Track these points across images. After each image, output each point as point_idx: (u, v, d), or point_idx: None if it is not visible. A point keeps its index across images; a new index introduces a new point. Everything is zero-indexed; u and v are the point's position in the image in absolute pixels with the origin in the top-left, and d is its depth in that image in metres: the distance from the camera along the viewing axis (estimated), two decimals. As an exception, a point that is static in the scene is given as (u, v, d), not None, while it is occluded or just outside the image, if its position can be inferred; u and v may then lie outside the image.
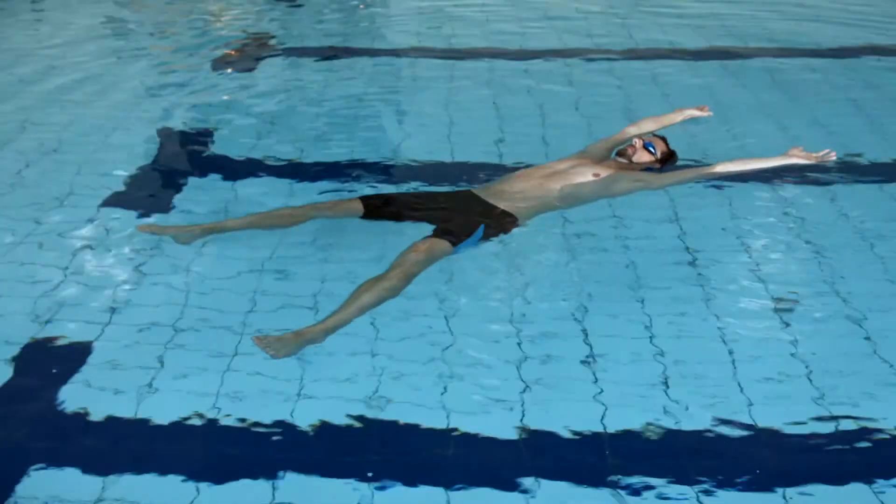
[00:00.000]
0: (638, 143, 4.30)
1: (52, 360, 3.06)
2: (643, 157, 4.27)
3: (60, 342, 3.15)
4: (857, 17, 7.30)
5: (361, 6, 8.05)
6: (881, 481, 2.55)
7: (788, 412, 2.81)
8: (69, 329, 3.21)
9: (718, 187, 4.23)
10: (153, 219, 3.97)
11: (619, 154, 4.32)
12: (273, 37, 7.03)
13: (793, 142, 4.47)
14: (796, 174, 4.32)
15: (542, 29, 7.16)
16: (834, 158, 4.33)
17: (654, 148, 4.29)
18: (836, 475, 2.59)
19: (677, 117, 4.85)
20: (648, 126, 4.68)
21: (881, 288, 3.49)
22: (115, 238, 3.82)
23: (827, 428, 2.75)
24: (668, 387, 2.92)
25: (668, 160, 4.35)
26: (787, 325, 3.24)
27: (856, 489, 2.54)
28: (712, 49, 6.49)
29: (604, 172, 4.07)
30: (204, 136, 4.97)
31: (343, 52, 6.57)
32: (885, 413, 2.81)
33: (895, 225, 3.96)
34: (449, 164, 4.62)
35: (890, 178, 4.39)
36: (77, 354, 3.07)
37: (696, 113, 4.89)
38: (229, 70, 6.15)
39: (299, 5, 8.11)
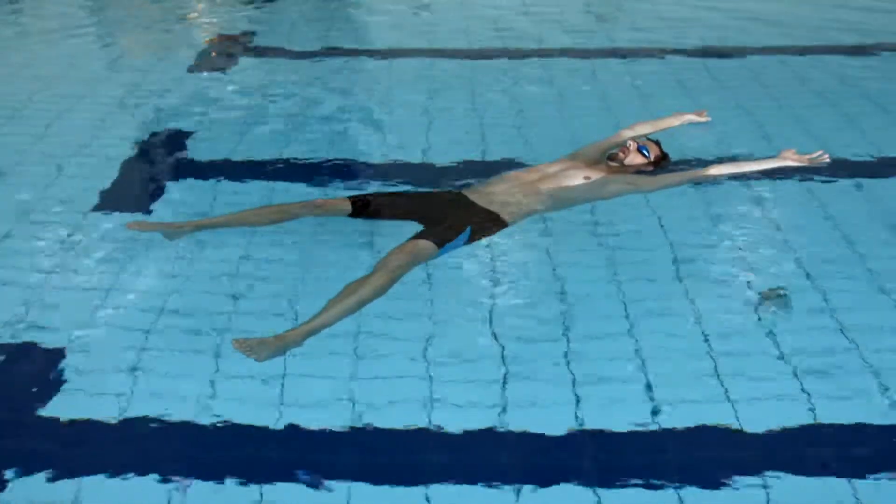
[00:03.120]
0: (632, 145, 4.26)
1: (31, 361, 3.08)
2: (636, 159, 4.24)
3: (41, 343, 3.16)
4: (840, 17, 7.27)
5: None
6: (866, 478, 2.56)
7: (776, 411, 2.81)
8: (51, 329, 3.22)
9: (704, 188, 4.21)
10: (138, 218, 3.96)
11: (611, 157, 4.26)
12: (253, 35, 7.03)
13: (768, 139, 4.43)
14: (787, 176, 4.28)
15: (523, 28, 7.17)
16: (827, 160, 4.31)
17: (647, 151, 4.26)
18: (822, 473, 2.59)
19: (675, 121, 4.83)
20: (644, 129, 4.65)
21: (862, 286, 3.47)
22: (98, 239, 3.83)
23: (811, 426, 2.75)
24: (653, 387, 2.91)
25: (660, 163, 4.31)
26: (773, 323, 3.23)
27: (841, 486, 2.53)
28: (696, 49, 6.45)
29: (595, 175, 4.05)
30: (186, 136, 4.98)
31: (325, 51, 6.57)
32: (871, 411, 2.81)
33: (875, 222, 3.94)
34: (433, 164, 4.60)
35: (871, 175, 4.35)
36: (56, 356, 3.07)
37: (695, 118, 4.87)
38: (209, 70, 6.16)
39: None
